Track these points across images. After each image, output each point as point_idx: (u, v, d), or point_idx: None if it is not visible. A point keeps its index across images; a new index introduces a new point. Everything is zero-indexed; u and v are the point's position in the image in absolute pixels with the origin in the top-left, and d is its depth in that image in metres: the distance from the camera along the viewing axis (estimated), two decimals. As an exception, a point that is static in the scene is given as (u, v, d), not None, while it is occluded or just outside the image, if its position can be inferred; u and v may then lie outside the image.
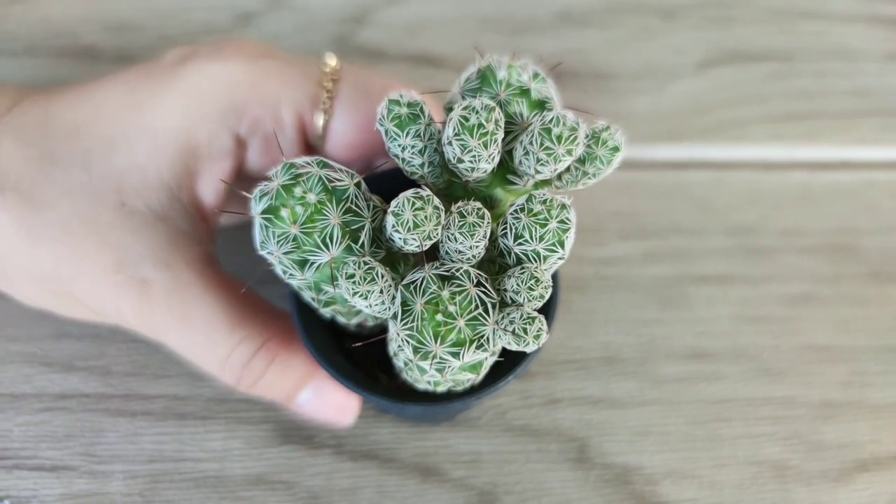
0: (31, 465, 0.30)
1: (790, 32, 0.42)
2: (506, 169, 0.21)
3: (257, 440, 0.30)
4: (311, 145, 0.28)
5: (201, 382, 0.31)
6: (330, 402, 0.26)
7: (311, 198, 0.19)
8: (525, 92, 0.21)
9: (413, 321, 0.19)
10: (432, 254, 0.21)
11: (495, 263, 0.21)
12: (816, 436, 0.32)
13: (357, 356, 0.25)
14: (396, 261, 0.21)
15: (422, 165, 0.20)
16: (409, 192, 0.18)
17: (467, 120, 0.18)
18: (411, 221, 0.18)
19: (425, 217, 0.18)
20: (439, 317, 0.19)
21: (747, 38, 0.42)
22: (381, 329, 0.24)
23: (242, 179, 0.28)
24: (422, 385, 0.22)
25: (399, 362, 0.22)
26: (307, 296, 0.22)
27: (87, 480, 0.30)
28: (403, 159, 0.20)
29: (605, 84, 0.40)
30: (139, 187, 0.26)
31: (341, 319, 0.23)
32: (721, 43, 0.42)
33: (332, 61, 0.28)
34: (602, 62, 0.40)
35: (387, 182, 0.22)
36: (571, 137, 0.19)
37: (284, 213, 0.19)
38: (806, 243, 0.36)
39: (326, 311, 0.22)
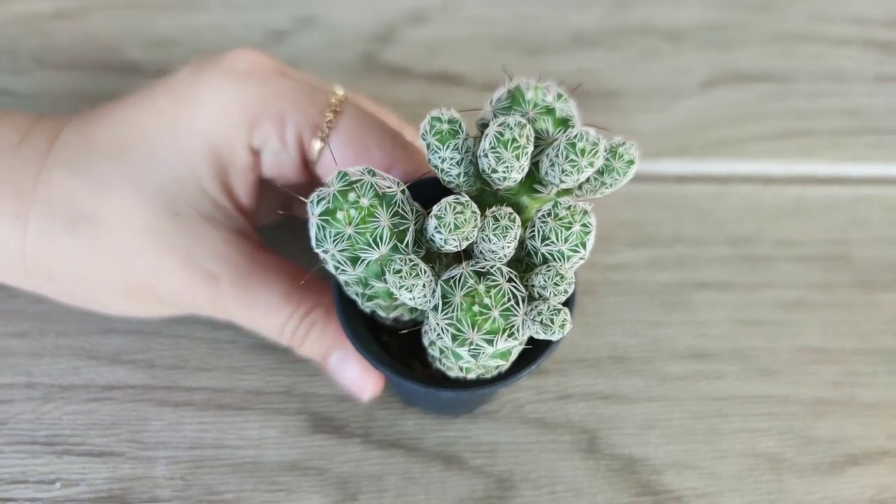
0: (79, 450, 0.32)
1: (788, 55, 0.45)
2: (532, 179, 0.23)
3: (291, 429, 0.33)
4: (308, 164, 0.31)
5: (240, 376, 0.34)
6: (350, 373, 0.30)
7: (364, 202, 0.22)
8: (550, 111, 0.23)
9: (453, 311, 0.21)
10: (464, 254, 0.23)
11: (522, 263, 0.23)
12: (809, 431, 0.34)
13: (392, 349, 0.27)
14: (433, 260, 0.23)
15: (458, 175, 0.22)
16: (451, 198, 0.21)
17: (502, 135, 0.20)
18: (453, 223, 0.21)
19: (465, 220, 0.21)
20: (476, 308, 0.21)
21: (748, 60, 0.45)
22: (415, 323, 0.26)
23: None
24: (453, 372, 0.24)
25: (434, 351, 0.24)
26: (354, 290, 0.24)
27: (133, 465, 0.32)
28: (442, 170, 0.22)
29: (615, 102, 0.42)
30: (186, 198, 0.29)
31: (381, 313, 0.25)
32: (723, 64, 0.44)
33: (339, 92, 0.30)
34: (611, 82, 0.43)
35: (423, 191, 0.24)
36: (593, 151, 0.21)
37: (340, 215, 0.22)
38: (800, 253, 0.38)
39: (368, 306, 0.25)
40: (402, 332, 0.26)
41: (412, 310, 0.25)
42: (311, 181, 0.31)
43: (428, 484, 0.32)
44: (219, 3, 0.44)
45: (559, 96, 0.23)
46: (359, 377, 0.30)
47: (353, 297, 0.25)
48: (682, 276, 0.37)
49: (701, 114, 0.42)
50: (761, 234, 0.39)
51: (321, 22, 0.44)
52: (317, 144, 0.29)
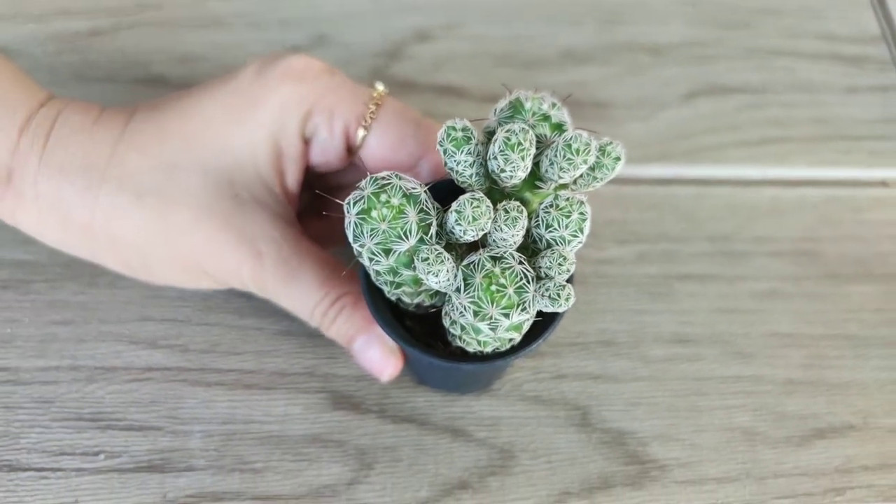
0: (121, 425, 0.35)
1: (763, 68, 0.49)
2: (534, 177, 0.27)
3: (313, 406, 0.36)
4: (350, 150, 0.35)
5: (266, 359, 0.37)
6: (372, 355, 0.33)
7: (395, 201, 0.25)
8: (547, 118, 0.27)
9: (474, 291, 0.25)
10: (475, 246, 0.27)
11: (528, 248, 0.27)
12: (781, 408, 0.37)
13: (415, 332, 0.31)
14: (451, 250, 0.27)
15: (471, 175, 0.26)
16: (467, 195, 0.24)
17: (509, 140, 0.24)
18: (471, 216, 0.24)
19: (481, 212, 0.24)
20: (493, 287, 0.25)
21: (726, 73, 0.48)
22: (434, 307, 0.29)
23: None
24: (472, 347, 0.28)
25: (455, 329, 0.27)
26: (383, 279, 0.27)
27: (171, 438, 0.35)
28: (457, 171, 0.26)
29: (604, 112, 0.46)
30: (245, 183, 0.32)
31: (405, 299, 0.28)
32: (703, 77, 0.48)
33: (380, 87, 0.34)
34: (601, 93, 0.47)
35: (436, 193, 0.28)
36: (587, 150, 0.25)
37: (374, 213, 0.25)
38: (774, 248, 0.42)
39: (395, 293, 0.28)
40: (423, 315, 0.29)
41: (432, 296, 0.28)
42: (349, 167, 0.35)
43: (437, 454, 0.35)
44: (241, 22, 0.47)
45: (553, 105, 0.27)
46: (380, 359, 0.33)
47: (381, 286, 0.28)
48: (666, 269, 0.41)
49: (683, 122, 0.46)
50: (738, 231, 0.42)
51: (334, 40, 0.47)
52: (361, 133, 0.33)
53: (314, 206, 0.39)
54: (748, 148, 0.45)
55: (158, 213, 0.32)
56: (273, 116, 0.32)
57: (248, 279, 0.33)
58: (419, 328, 0.31)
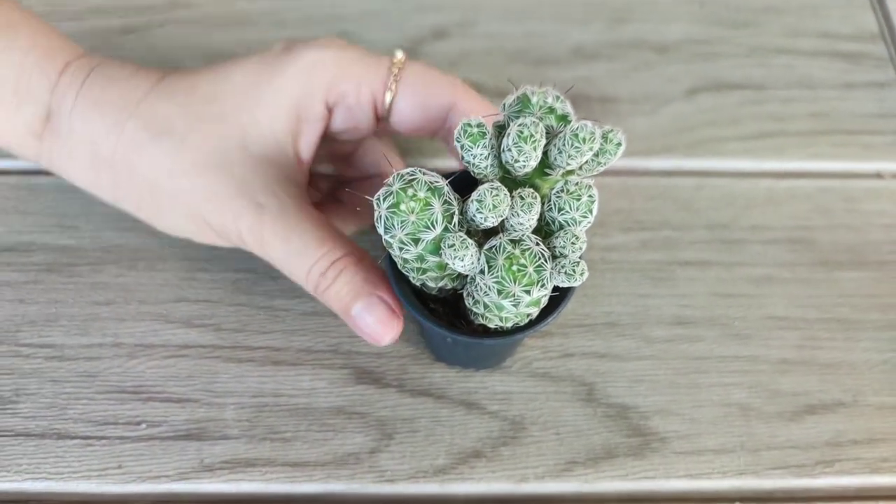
0: (161, 397, 0.38)
1: (763, 65, 0.51)
2: (543, 165, 0.29)
3: (337, 381, 0.39)
4: (379, 118, 0.37)
5: (293, 337, 0.40)
6: (374, 318, 0.32)
7: (421, 195, 0.27)
8: (552, 110, 0.29)
9: (498, 271, 0.27)
10: (491, 231, 0.29)
11: (542, 231, 0.29)
12: (774, 385, 0.39)
13: (437, 314, 0.33)
14: (470, 236, 0.29)
15: (486, 167, 0.28)
16: (486, 186, 0.27)
17: (522, 133, 0.26)
18: (491, 204, 0.26)
19: (500, 201, 0.27)
20: (515, 267, 0.27)
21: (728, 70, 0.50)
22: (455, 290, 0.32)
23: (326, 139, 0.37)
24: (493, 324, 0.30)
25: (479, 308, 0.29)
26: (410, 266, 0.29)
27: (206, 409, 0.38)
28: (474, 164, 0.28)
29: (610, 107, 0.48)
30: (258, 138, 0.34)
31: (430, 284, 0.30)
32: (706, 73, 0.50)
33: (399, 55, 0.36)
34: (607, 89, 0.49)
35: (453, 182, 0.31)
36: (592, 138, 0.27)
37: (403, 206, 0.27)
38: (770, 236, 0.44)
39: (420, 279, 0.30)
40: (445, 298, 0.32)
41: (454, 279, 0.31)
42: (378, 133, 0.38)
43: (453, 425, 0.38)
44: (266, 21, 0.50)
45: (557, 98, 0.29)
46: (381, 322, 0.32)
47: (408, 272, 0.30)
48: (668, 255, 0.43)
49: (685, 117, 0.48)
50: (736, 220, 0.44)
51: (354, 37, 0.50)
52: (388, 96, 0.35)
53: (333, 197, 0.41)
54: (747, 141, 0.47)
55: (171, 152, 0.33)
56: (295, 81, 0.34)
57: (246, 231, 0.33)
58: (442, 310, 0.33)
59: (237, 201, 0.33)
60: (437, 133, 0.37)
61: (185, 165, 0.34)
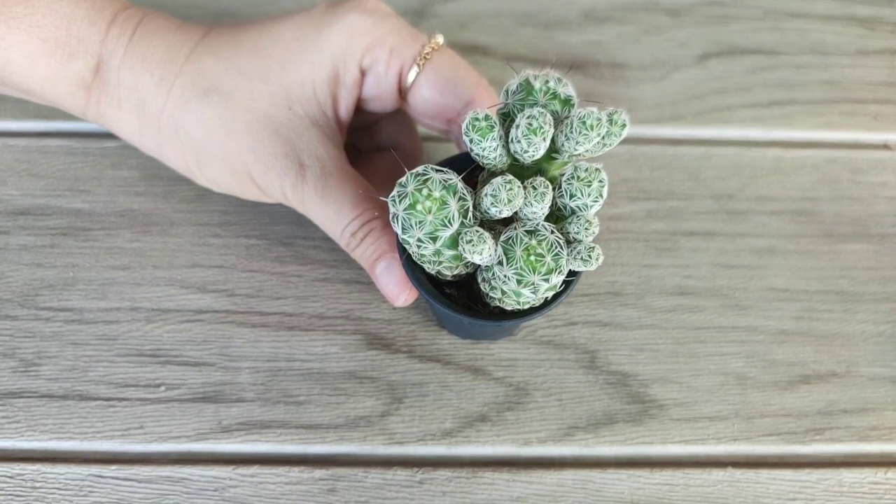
0: (178, 361, 0.39)
1: (777, 29, 0.50)
2: (550, 149, 0.29)
3: (349, 346, 0.40)
4: (401, 91, 0.37)
5: (306, 303, 0.41)
6: (392, 279, 0.34)
7: (437, 194, 0.27)
8: (555, 95, 0.29)
9: (516, 262, 0.28)
10: (505, 219, 0.30)
11: (553, 216, 0.30)
12: (771, 356, 0.40)
13: (454, 298, 0.34)
14: (483, 226, 0.30)
15: (495, 158, 0.29)
16: (499, 179, 0.27)
17: (531, 125, 0.27)
18: (506, 198, 0.27)
19: (514, 194, 0.27)
20: (532, 257, 0.28)
21: (741, 34, 0.50)
22: (469, 275, 0.33)
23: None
24: (510, 307, 0.31)
25: (496, 294, 0.30)
26: (427, 259, 0.30)
27: (222, 373, 0.39)
28: (483, 156, 0.28)
29: (620, 72, 0.48)
30: (301, 99, 0.35)
31: (445, 272, 0.31)
32: (718, 38, 0.50)
33: (440, 39, 0.37)
34: (618, 54, 0.49)
35: (452, 166, 0.31)
36: (599, 124, 0.27)
37: (419, 206, 0.27)
38: (774, 207, 0.44)
39: (436, 269, 0.31)
40: (459, 282, 0.33)
41: (467, 265, 0.31)
42: (398, 108, 0.38)
43: (459, 390, 0.39)
44: (274, -22, 0.49)
45: (558, 80, 0.29)
46: (398, 284, 0.34)
47: (423, 264, 0.31)
48: (673, 225, 0.44)
49: (695, 84, 0.48)
50: (742, 190, 0.45)
51: (364, -4, 0.49)
52: (414, 71, 0.36)
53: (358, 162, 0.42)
54: (756, 109, 0.47)
55: (219, 110, 0.34)
56: (337, 41, 0.35)
57: (290, 190, 0.34)
58: (457, 293, 0.34)
59: (284, 161, 0.34)
60: (449, 127, 0.38)
61: (233, 125, 0.34)
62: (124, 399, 0.38)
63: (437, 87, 0.36)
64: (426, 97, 0.36)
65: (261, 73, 0.35)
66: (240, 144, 0.34)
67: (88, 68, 0.35)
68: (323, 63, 0.35)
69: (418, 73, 0.36)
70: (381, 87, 0.36)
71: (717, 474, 0.38)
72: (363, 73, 0.36)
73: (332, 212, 0.34)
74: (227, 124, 0.34)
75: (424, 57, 0.36)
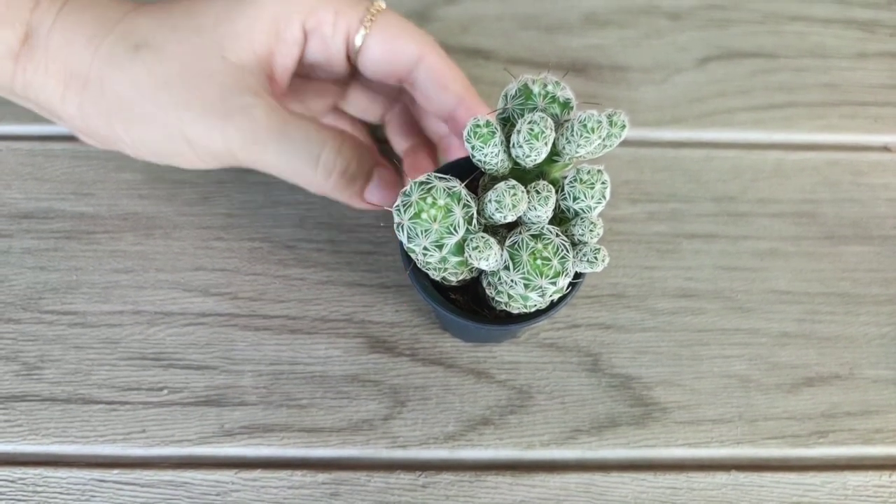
0: (181, 364, 0.39)
1: (776, 32, 0.50)
2: (551, 152, 0.29)
3: (352, 349, 0.40)
4: (349, 57, 0.37)
5: (308, 306, 0.41)
6: (378, 196, 0.35)
7: (441, 202, 0.27)
8: (555, 98, 0.29)
9: (523, 267, 0.28)
10: (507, 226, 0.30)
11: (556, 218, 0.30)
12: (774, 358, 0.40)
13: (459, 304, 0.34)
14: (487, 230, 0.30)
15: (496, 163, 0.29)
16: (503, 185, 0.27)
17: (533, 130, 0.27)
18: (511, 204, 0.27)
19: (518, 199, 0.27)
20: (539, 261, 0.28)
21: (741, 38, 0.50)
22: (473, 279, 0.33)
23: (300, 68, 0.38)
24: (516, 310, 0.31)
25: (502, 297, 0.30)
26: (433, 266, 0.30)
27: (225, 376, 0.39)
28: (485, 162, 0.28)
29: (622, 75, 0.48)
30: (236, 49, 0.34)
31: (450, 278, 0.31)
32: (718, 41, 0.50)
33: (381, 3, 0.37)
34: (619, 57, 0.49)
35: (453, 169, 0.31)
36: (600, 126, 0.27)
37: (425, 215, 0.27)
38: (776, 210, 0.44)
39: (441, 275, 0.31)
40: (463, 286, 0.33)
41: (472, 271, 0.31)
42: (349, 74, 0.38)
43: (462, 393, 0.39)
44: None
45: (556, 84, 0.29)
46: (388, 200, 0.35)
47: (428, 271, 0.31)
48: (674, 228, 0.44)
49: (696, 87, 0.48)
50: (743, 193, 0.45)
51: (365, 1, 0.49)
52: (361, 33, 0.36)
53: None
54: (756, 112, 0.47)
55: (150, 65, 0.33)
56: (276, 2, 0.35)
57: (234, 133, 0.33)
58: (462, 298, 0.34)
59: (221, 107, 0.33)
60: (401, 84, 0.38)
61: (164, 78, 0.33)
62: (127, 403, 0.38)
63: (385, 48, 0.36)
64: (376, 59, 0.37)
65: (193, 29, 0.34)
66: (171, 97, 0.33)
67: (17, 37, 0.33)
68: (261, 17, 0.34)
69: (366, 35, 0.36)
70: (330, 50, 0.37)
71: (721, 477, 0.38)
72: (305, 35, 0.36)
73: (298, 144, 0.33)
74: (158, 77, 0.33)
75: (371, 19, 0.36)
